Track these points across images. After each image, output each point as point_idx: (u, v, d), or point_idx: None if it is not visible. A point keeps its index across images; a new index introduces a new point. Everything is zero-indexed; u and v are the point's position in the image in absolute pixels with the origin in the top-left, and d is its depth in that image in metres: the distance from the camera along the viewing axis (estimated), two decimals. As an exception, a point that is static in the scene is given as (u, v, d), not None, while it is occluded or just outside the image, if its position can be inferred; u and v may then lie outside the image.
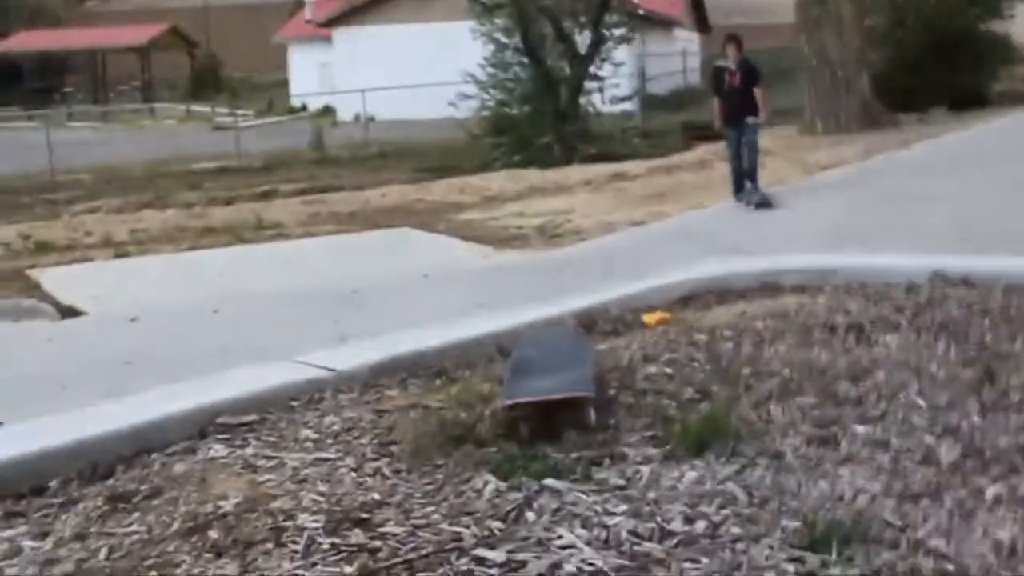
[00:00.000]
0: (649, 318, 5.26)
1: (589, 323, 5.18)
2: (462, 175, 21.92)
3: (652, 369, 4.31)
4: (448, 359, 4.76)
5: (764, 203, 11.92)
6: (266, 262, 13.45)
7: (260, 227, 16.85)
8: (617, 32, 26.18)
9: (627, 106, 29.32)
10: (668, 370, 4.27)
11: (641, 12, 30.36)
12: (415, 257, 12.83)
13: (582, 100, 25.56)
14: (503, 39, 24.88)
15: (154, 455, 3.94)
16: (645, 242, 11.70)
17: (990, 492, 3.24)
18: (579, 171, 20.70)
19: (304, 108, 44.20)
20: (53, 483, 3.74)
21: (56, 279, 12.57)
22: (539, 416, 3.72)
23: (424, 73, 32.33)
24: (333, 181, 22.46)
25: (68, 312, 10.78)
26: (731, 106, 12.40)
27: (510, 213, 15.87)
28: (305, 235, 15.96)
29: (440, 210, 17.54)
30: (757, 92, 12.37)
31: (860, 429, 3.67)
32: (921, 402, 3.79)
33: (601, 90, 25.73)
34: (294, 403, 4.37)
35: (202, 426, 4.15)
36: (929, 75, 24.84)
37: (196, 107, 48.38)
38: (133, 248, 15.58)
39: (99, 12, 65.18)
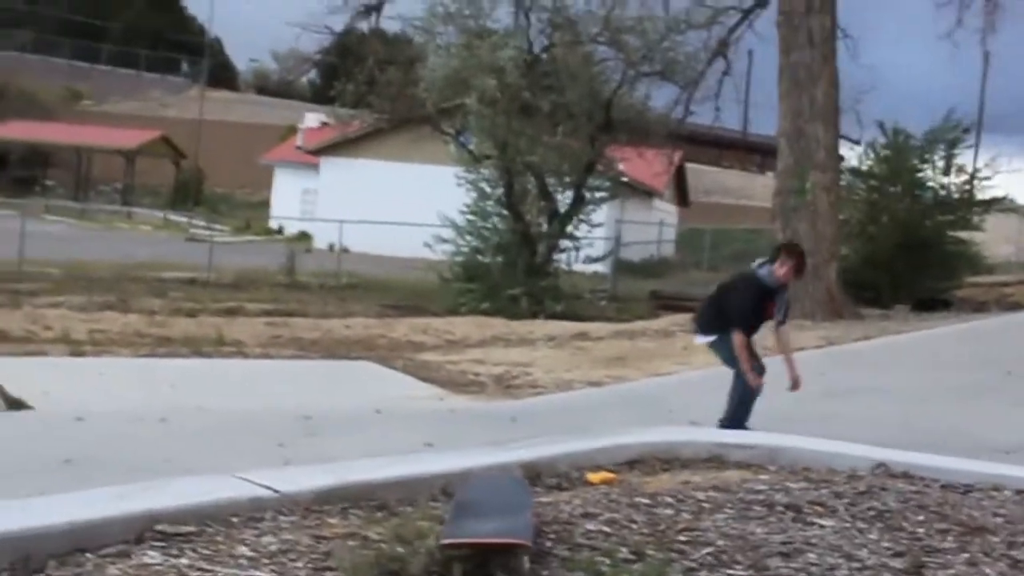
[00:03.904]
0: (594, 477, 5.32)
1: (534, 475, 5.23)
2: (428, 316, 22.07)
3: (590, 526, 4.35)
4: (392, 494, 4.78)
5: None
6: (221, 378, 13.44)
7: (220, 343, 16.85)
8: (598, 195, 26.73)
9: (599, 268, 29.78)
10: (606, 528, 4.32)
11: (625, 179, 31.04)
12: (371, 391, 12.86)
13: (556, 257, 25.95)
14: (486, 189, 25.36)
15: (88, 555, 3.92)
16: (600, 403, 11.79)
17: None
18: (544, 326, 20.89)
19: (280, 231, 44.55)
20: (-18, 571, 3.72)
21: (7, 370, 12.49)
22: (475, 558, 3.75)
23: (403, 211, 32.77)
24: (299, 306, 22.56)
25: (15, 404, 10.71)
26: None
27: (470, 359, 15.95)
28: (264, 356, 15.97)
29: (401, 348, 17.61)
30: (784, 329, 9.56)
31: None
32: (849, 587, 3.86)
33: (576, 249, 26.18)
34: (234, 519, 4.37)
35: (139, 531, 4.14)
36: (896, 274, 25.42)
37: (174, 216, 48.71)
38: (90, 348, 15.53)
39: (93, 111, 65.99)
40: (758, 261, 9.52)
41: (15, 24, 73.11)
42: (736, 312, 9.15)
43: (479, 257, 25.65)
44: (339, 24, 28.10)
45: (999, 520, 4.78)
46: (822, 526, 4.46)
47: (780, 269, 9.11)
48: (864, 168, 27.80)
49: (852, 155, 28.18)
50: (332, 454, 6.66)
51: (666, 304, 25.66)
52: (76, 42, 74.95)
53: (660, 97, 27.98)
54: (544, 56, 26.07)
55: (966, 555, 4.24)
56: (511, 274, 24.80)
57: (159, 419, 9.53)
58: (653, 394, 11.92)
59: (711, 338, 9.42)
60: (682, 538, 4.25)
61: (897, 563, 4.09)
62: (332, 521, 4.45)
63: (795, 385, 9.17)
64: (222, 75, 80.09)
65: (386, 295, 25.91)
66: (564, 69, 25.55)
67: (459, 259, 25.81)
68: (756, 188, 54.99)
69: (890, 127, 27.35)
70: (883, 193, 27.14)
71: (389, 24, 32.26)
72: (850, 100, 24.19)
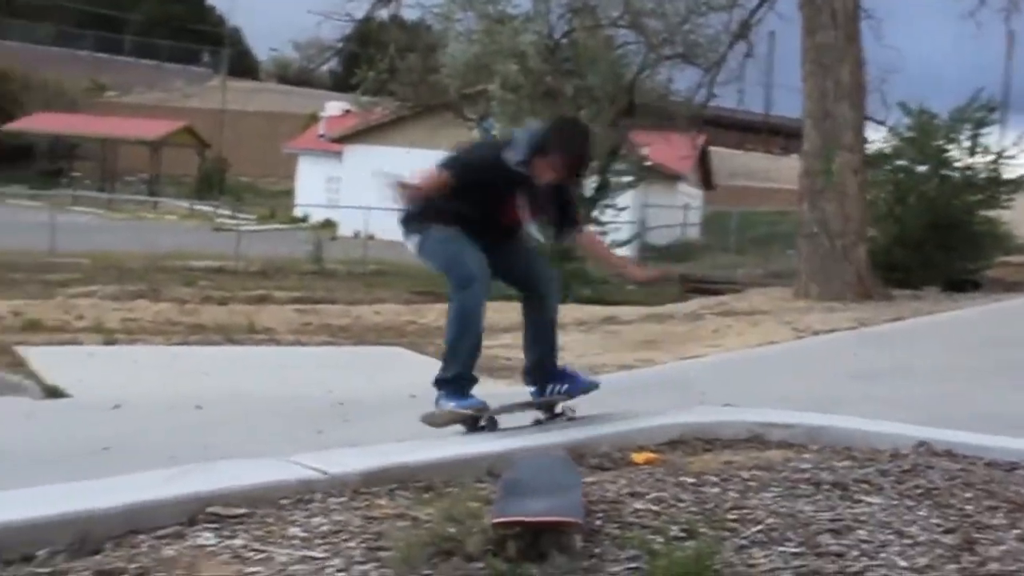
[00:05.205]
0: (637, 457, 5.33)
1: (577, 457, 5.25)
2: (456, 302, 22.09)
3: (638, 505, 4.37)
4: (438, 475, 4.81)
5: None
6: (254, 365, 13.52)
7: (251, 330, 16.95)
8: (624, 180, 26.69)
9: (625, 252, 29.71)
10: (654, 507, 4.34)
11: (649, 163, 30.97)
12: (403, 376, 12.88)
13: (582, 241, 25.93)
14: (511, 174, 25.36)
15: (142, 536, 3.97)
16: (632, 386, 11.77)
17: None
18: (573, 311, 20.87)
19: (306, 219, 44.70)
20: (41, 553, 3.76)
21: (43, 358, 12.62)
22: (527, 536, 3.78)
23: (428, 198, 32.73)
24: (328, 293, 22.68)
25: (51, 392, 10.83)
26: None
27: (501, 344, 15.93)
28: (295, 343, 16.04)
29: (431, 333, 17.61)
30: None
31: (840, 583, 3.73)
32: (902, 562, 3.86)
33: (603, 234, 26.15)
34: (284, 501, 4.41)
35: (192, 514, 4.18)
36: (926, 254, 25.24)
37: (199, 206, 48.91)
38: (123, 336, 15.66)
39: (117, 102, 66.32)
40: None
41: (38, 17, 73.48)
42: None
43: (506, 242, 25.67)
44: (359, 11, 28.16)
45: (1047, 497, 4.77)
46: (870, 503, 4.47)
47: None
48: (888, 150, 27.60)
49: (877, 136, 27.99)
50: (370, 439, 6.68)
51: (695, 287, 25.63)
52: (98, 34, 75.29)
53: (682, 80, 27.94)
54: (565, 41, 26.04)
55: (1017, 531, 4.24)
56: (538, 259, 24.79)
57: (195, 406, 9.59)
58: (685, 376, 11.89)
59: None
60: (731, 516, 4.26)
61: (948, 539, 4.09)
62: (381, 502, 4.48)
63: None
64: (243, 65, 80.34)
65: (414, 282, 25.94)
66: (585, 53, 25.52)
67: (485, 244, 25.84)
68: (780, 170, 54.76)
69: (914, 108, 27.15)
70: (910, 173, 26.95)
71: (408, 11, 32.30)
72: (875, 81, 24.10)
